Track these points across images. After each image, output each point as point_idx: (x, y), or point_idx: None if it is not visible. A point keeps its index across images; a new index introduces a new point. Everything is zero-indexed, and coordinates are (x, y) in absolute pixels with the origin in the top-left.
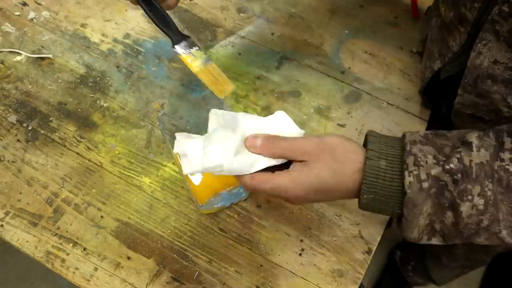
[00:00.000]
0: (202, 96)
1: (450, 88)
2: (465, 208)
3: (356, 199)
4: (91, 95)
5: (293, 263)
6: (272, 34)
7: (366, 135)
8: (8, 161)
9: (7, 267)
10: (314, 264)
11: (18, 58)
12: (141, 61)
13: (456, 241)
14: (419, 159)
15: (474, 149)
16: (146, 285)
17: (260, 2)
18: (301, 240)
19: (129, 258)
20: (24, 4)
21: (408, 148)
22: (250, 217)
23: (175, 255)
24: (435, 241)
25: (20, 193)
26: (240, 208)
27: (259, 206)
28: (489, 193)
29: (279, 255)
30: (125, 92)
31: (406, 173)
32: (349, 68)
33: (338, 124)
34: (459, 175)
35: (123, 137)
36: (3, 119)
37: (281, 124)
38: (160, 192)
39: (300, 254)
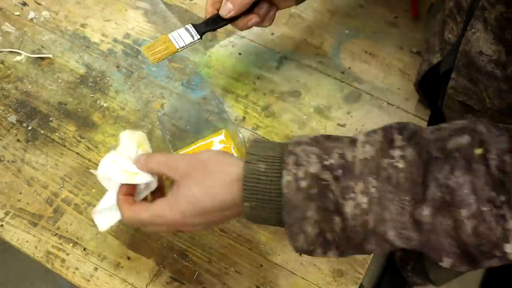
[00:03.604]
0: (202, 96)
1: (448, 79)
2: (349, 208)
3: None
4: (91, 95)
5: (293, 263)
6: (272, 34)
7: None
8: (8, 161)
9: (7, 267)
10: (314, 264)
11: (18, 58)
12: (141, 61)
13: (350, 251)
14: (300, 159)
15: (359, 145)
16: (146, 285)
17: None
18: None
19: (129, 258)
20: (24, 4)
21: (289, 148)
22: None
23: (175, 255)
24: (331, 254)
25: (20, 193)
26: None
27: None
28: (372, 190)
29: (279, 255)
30: (125, 92)
31: (284, 172)
32: (349, 68)
33: (338, 124)
34: (340, 171)
35: None
36: (3, 119)
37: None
38: None
39: (300, 254)
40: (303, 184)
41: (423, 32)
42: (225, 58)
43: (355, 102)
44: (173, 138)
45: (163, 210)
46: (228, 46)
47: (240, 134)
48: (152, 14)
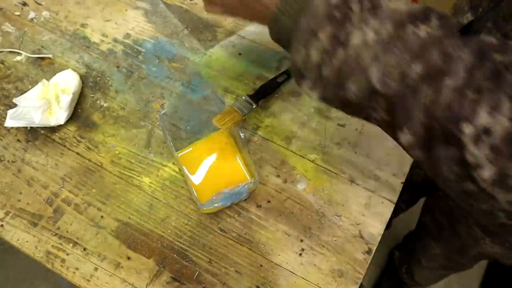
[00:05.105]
0: (202, 96)
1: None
2: (355, 39)
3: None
4: (91, 95)
5: (293, 263)
6: None
7: None
8: (8, 161)
9: (7, 267)
10: (314, 264)
11: (18, 58)
12: (141, 61)
13: (329, 89)
14: None
15: None
16: (146, 285)
17: None
18: (301, 240)
19: (129, 258)
20: (24, 4)
21: None
22: (250, 217)
23: (175, 255)
24: (315, 92)
25: (20, 193)
26: (240, 208)
27: (259, 206)
28: (384, 34)
29: (279, 255)
30: (125, 92)
31: None
32: None
33: (338, 124)
34: (370, 5)
35: (123, 137)
36: (3, 119)
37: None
38: (160, 192)
39: (300, 254)
40: (334, 1)
41: None
42: (225, 58)
43: None
44: (173, 138)
45: None
46: (228, 46)
47: (240, 134)
48: (152, 14)
